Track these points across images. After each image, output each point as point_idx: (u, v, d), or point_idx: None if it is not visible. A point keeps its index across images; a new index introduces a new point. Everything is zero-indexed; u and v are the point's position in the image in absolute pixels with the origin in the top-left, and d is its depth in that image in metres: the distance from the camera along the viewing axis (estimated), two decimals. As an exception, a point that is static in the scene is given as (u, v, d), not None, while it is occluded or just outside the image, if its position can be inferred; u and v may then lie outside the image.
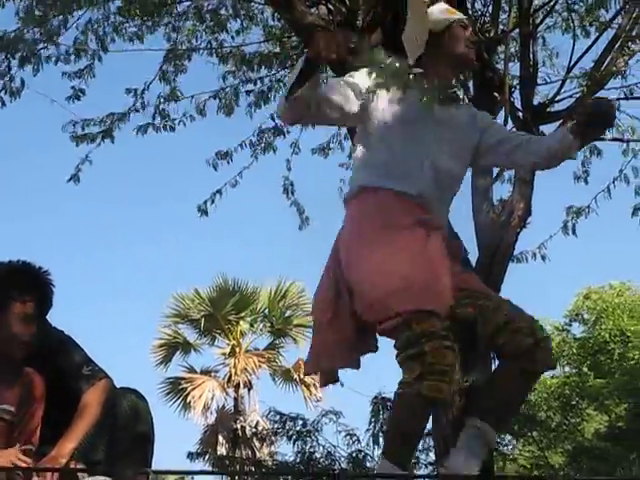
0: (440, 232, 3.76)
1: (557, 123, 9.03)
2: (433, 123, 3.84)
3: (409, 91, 3.85)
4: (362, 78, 3.86)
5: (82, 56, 10.03)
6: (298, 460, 11.89)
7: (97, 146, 10.19)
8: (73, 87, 10.05)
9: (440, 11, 4.07)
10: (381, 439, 11.85)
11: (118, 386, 4.32)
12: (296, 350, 22.25)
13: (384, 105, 3.85)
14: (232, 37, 10.77)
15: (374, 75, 3.83)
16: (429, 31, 3.95)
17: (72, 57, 9.98)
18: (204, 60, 10.79)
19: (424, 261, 3.59)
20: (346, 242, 3.77)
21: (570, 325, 22.09)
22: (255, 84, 10.84)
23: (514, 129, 8.95)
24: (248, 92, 10.83)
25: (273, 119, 10.90)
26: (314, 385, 21.54)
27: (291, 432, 12.18)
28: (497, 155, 4.05)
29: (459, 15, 4.08)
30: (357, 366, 3.79)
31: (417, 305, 3.46)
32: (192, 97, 10.68)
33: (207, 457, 19.30)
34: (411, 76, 3.90)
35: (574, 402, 20.35)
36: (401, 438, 3.62)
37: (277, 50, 10.93)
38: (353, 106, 3.80)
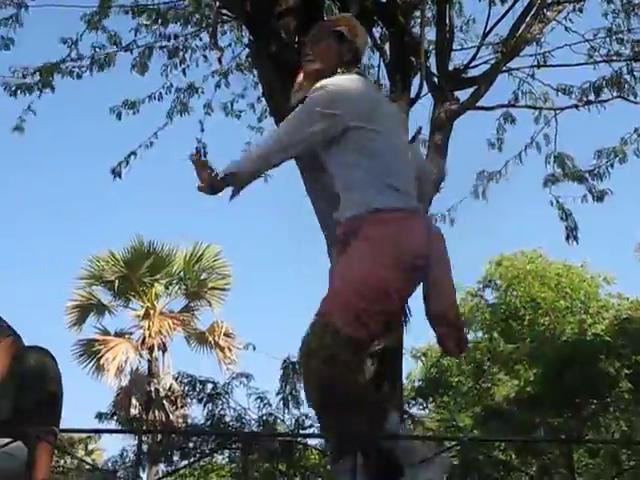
0: (337, 243, 3.94)
1: (472, 89, 9.08)
2: None
3: None
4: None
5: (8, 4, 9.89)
6: (208, 423, 11.86)
7: (38, 97, 10.07)
8: (1, 36, 9.89)
9: None
10: (291, 402, 11.91)
11: (27, 345, 4.26)
12: (211, 313, 22.23)
13: None
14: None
15: None
16: None
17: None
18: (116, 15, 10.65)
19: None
20: None
21: (483, 291, 22.35)
22: (169, 40, 10.73)
23: (429, 94, 8.99)
24: (162, 47, 10.72)
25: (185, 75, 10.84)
26: (228, 348, 21.54)
27: (202, 395, 12.15)
28: None
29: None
30: None
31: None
32: (106, 55, 10.52)
33: (117, 418, 19.21)
34: None
35: (485, 367, 20.63)
36: None
37: (192, 9, 10.82)
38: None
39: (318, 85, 3.93)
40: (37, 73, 10.08)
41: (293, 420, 12.07)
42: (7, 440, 3.68)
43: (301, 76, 4.26)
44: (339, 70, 4.09)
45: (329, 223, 8.45)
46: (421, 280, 3.75)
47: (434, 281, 3.75)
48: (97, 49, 10.38)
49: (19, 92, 9.98)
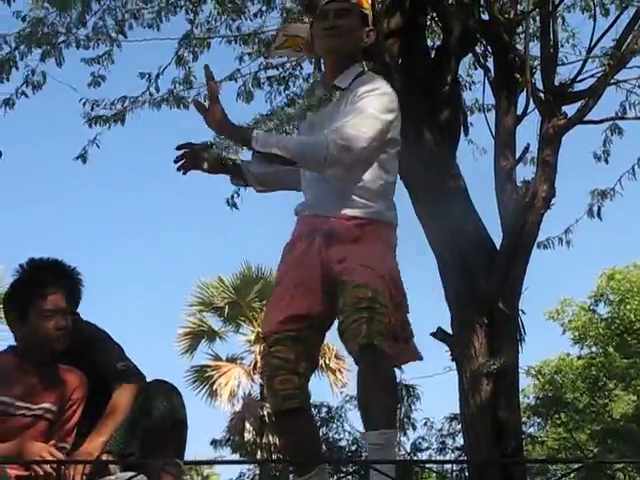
0: (312, 236, 3.79)
1: (579, 103, 8.97)
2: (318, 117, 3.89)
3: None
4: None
5: (101, 42, 10.00)
6: (323, 447, 11.86)
7: (108, 128, 10.17)
8: (92, 73, 10.03)
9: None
10: (405, 424, 11.87)
11: (148, 378, 4.32)
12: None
13: None
14: (250, 19, 10.72)
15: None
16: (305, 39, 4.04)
17: (91, 43, 9.95)
18: (222, 47, 10.75)
19: (277, 284, 3.92)
20: None
21: (596, 305, 21.98)
22: (277, 69, 10.78)
23: (536, 110, 8.91)
24: (269, 78, 10.78)
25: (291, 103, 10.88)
26: (339, 370, 21.57)
27: (316, 418, 12.16)
28: None
29: (322, 3, 3.96)
30: None
31: (262, 330, 3.95)
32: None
33: (232, 443, 19.34)
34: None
35: (601, 383, 20.28)
36: None
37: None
38: None
39: (378, 86, 3.82)
40: (114, 105, 10.19)
41: (409, 443, 12.04)
42: (131, 474, 3.74)
43: (281, 34, 4.18)
44: (356, 57, 3.96)
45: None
46: None
47: None
48: (178, 84, 10.47)
49: (96, 124, 10.09)
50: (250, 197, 10.80)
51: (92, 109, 10.01)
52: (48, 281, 4.10)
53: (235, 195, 10.45)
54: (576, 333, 21.32)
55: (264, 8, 10.57)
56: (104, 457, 3.92)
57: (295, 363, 3.70)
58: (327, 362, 21.62)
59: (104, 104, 10.09)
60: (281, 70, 10.74)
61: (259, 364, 21.46)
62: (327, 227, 3.75)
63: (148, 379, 4.32)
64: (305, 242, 3.79)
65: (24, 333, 4.04)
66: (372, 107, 3.71)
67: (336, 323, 3.71)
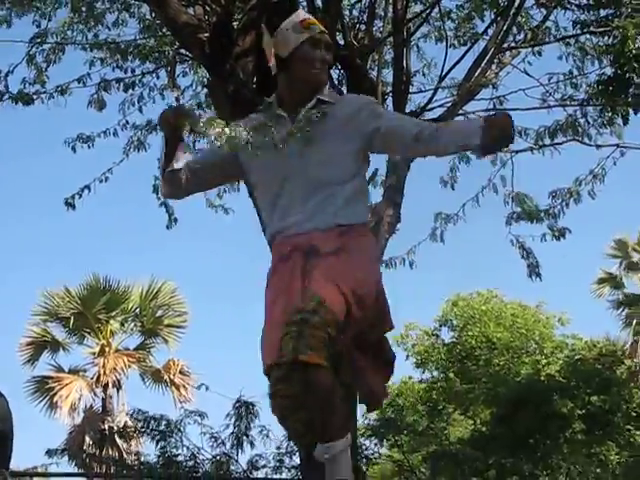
0: (294, 255, 3.66)
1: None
2: (296, 150, 3.75)
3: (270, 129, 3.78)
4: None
5: None
6: (161, 461, 11.77)
7: None
8: None
9: (292, 26, 3.86)
10: (245, 442, 11.87)
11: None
12: (167, 350, 22.11)
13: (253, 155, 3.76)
14: (108, 28, 10.68)
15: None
16: (277, 55, 3.88)
17: None
18: (77, 51, 10.67)
19: (270, 310, 3.61)
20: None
21: (440, 330, 22.40)
22: (126, 73, 10.75)
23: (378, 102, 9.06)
24: (118, 81, 10.73)
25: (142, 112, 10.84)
26: (184, 387, 21.44)
27: (155, 432, 12.06)
28: (394, 146, 4.02)
29: (312, 30, 3.85)
30: None
31: (265, 362, 3.49)
32: (59, 87, 10.52)
33: (69, 455, 19.02)
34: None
35: (441, 407, 20.65)
36: None
37: (152, 44, 10.85)
38: (230, 163, 3.86)
39: (373, 100, 3.98)
40: None
41: (246, 461, 12.03)
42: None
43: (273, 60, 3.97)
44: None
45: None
46: None
47: None
48: (28, 83, 10.37)
49: None
50: (91, 206, 10.72)
51: None
52: None
53: (77, 197, 10.40)
54: (419, 357, 21.69)
55: (122, 17, 10.57)
56: None
57: None
58: (172, 377, 21.48)
59: None
60: (131, 75, 10.72)
61: (102, 377, 21.20)
62: (307, 243, 3.66)
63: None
64: (288, 263, 3.67)
65: None
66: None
67: None
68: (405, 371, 21.56)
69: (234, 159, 3.84)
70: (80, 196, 10.52)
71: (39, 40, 10.23)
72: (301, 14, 4.02)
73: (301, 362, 3.27)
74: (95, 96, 10.63)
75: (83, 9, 10.38)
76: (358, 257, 3.68)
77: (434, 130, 3.73)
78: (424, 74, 10.89)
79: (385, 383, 3.90)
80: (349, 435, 3.57)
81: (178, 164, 3.81)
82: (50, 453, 17.60)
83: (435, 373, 21.94)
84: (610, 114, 9.88)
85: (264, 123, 3.75)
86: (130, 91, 10.81)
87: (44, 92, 10.49)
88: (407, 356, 21.67)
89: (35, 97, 10.40)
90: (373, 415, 20.19)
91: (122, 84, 10.70)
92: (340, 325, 3.42)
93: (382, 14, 9.79)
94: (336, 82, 10.14)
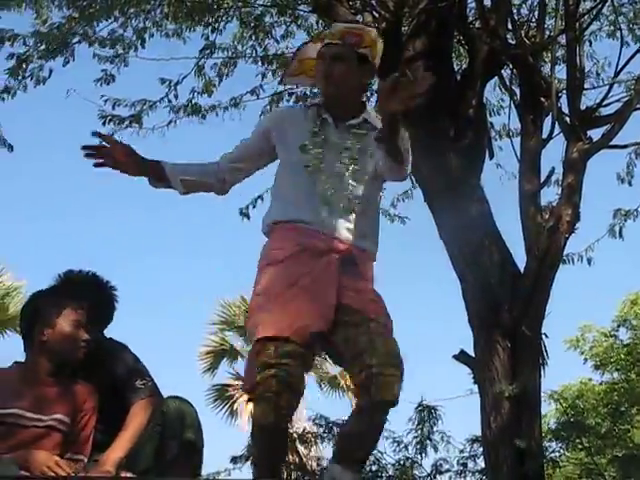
0: (329, 255, 3.74)
1: (605, 127, 8.97)
2: (333, 150, 3.84)
3: (308, 122, 3.92)
4: (267, 121, 4.14)
5: (118, 45, 10.05)
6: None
7: (124, 128, 10.22)
8: (104, 70, 10.05)
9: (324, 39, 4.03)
10: (428, 446, 11.83)
11: (165, 395, 4.32)
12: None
13: (287, 139, 3.92)
14: (277, 41, 10.83)
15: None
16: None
17: (107, 44, 10.00)
18: (248, 66, 10.86)
19: (283, 290, 3.68)
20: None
21: (617, 331, 21.86)
22: (297, 86, 10.88)
23: (561, 134, 8.92)
24: (290, 94, 10.87)
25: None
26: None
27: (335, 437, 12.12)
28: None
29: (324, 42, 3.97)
30: None
31: (261, 333, 3.60)
32: (233, 100, 10.73)
33: (251, 462, 19.31)
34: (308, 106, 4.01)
35: (623, 409, 20.14)
36: (258, 458, 3.85)
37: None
38: (264, 150, 3.98)
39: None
40: (133, 106, 10.25)
41: (430, 465, 11.99)
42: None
43: (295, 61, 4.13)
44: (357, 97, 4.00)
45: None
46: None
47: None
48: (196, 93, 10.58)
49: (110, 122, 10.10)
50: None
51: (113, 107, 10.08)
52: (80, 293, 4.17)
53: (251, 207, 10.60)
54: (597, 359, 21.22)
55: (290, 29, 10.70)
56: (122, 474, 3.93)
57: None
58: (348, 383, 21.56)
59: (124, 103, 10.18)
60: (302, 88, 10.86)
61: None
62: (346, 253, 3.77)
63: (168, 395, 4.33)
64: (320, 260, 3.75)
65: (49, 336, 4.04)
66: None
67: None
68: (583, 372, 21.15)
69: (267, 143, 3.96)
70: (254, 206, 10.75)
71: (208, 51, 10.44)
72: (336, 25, 4.15)
73: (391, 405, 3.62)
74: (268, 107, 10.78)
75: (252, 23, 10.55)
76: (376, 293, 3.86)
77: None
78: (599, 70, 10.69)
79: None
80: None
81: (191, 174, 3.92)
82: (235, 460, 17.92)
83: (615, 375, 21.42)
84: None
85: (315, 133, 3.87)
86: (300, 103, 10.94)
87: (218, 105, 10.72)
88: (585, 359, 21.24)
89: (209, 110, 10.64)
90: (552, 418, 19.91)
91: (294, 96, 10.83)
92: None
93: (553, 11, 9.61)
94: (507, 82, 10.07)
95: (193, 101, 10.52)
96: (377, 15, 8.80)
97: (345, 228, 3.79)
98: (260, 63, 10.91)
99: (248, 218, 10.78)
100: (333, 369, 22.00)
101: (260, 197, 10.76)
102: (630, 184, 10.46)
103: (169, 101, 10.35)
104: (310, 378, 21.77)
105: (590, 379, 21.28)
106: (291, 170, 3.87)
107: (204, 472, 4.39)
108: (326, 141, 3.85)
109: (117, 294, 4.47)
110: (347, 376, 21.38)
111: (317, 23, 10.64)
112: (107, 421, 4.09)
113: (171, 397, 4.35)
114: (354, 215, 3.80)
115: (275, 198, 3.99)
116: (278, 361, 3.52)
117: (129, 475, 3.96)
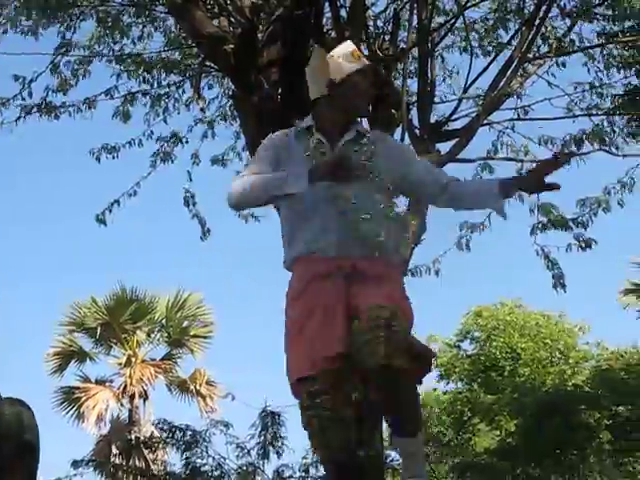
0: (334, 276, 3.78)
1: (453, 141, 9.17)
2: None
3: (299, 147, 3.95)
4: (271, 147, 4.02)
5: None
6: (187, 471, 11.75)
7: None
8: None
9: (344, 56, 3.97)
10: (271, 452, 11.83)
11: (3, 396, 4.25)
12: (193, 361, 22.14)
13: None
14: (134, 42, 10.76)
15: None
16: (330, 79, 3.95)
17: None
18: (103, 64, 10.76)
19: (302, 324, 3.78)
20: None
21: (462, 342, 22.37)
22: (152, 87, 10.81)
23: (411, 146, 9.06)
24: (144, 94, 10.80)
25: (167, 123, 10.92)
26: (209, 397, 21.47)
27: (181, 442, 12.04)
28: (420, 195, 4.28)
29: (362, 62, 3.99)
30: None
31: (291, 378, 3.79)
32: (86, 99, 10.62)
33: (95, 466, 19.07)
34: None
35: (466, 418, 20.59)
36: None
37: (178, 57, 10.93)
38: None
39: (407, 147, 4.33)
40: None
41: (272, 471, 12.00)
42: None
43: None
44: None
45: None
46: None
47: None
48: (51, 91, 10.45)
49: None
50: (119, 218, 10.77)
51: None
52: None
53: (107, 212, 10.48)
54: (442, 369, 21.66)
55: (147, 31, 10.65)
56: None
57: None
58: (198, 388, 21.51)
59: None
60: (157, 89, 10.80)
61: (128, 388, 21.24)
62: (349, 266, 3.81)
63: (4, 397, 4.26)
64: (326, 282, 3.80)
65: None
66: None
67: None
68: (429, 383, 21.52)
69: (277, 167, 3.91)
70: (110, 211, 10.61)
71: (63, 50, 10.31)
72: (351, 45, 4.11)
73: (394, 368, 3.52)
74: (121, 108, 10.69)
75: (109, 22, 10.46)
76: (400, 289, 3.87)
77: (456, 187, 3.96)
78: (449, 85, 10.91)
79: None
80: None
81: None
82: (75, 464, 17.64)
83: (459, 384, 21.91)
84: (637, 124, 9.84)
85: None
86: (156, 105, 10.87)
87: (72, 105, 10.59)
88: (430, 368, 21.61)
89: (62, 110, 10.50)
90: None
91: (148, 97, 10.77)
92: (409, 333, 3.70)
93: (407, 24, 9.78)
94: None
95: (48, 100, 10.39)
96: (233, 20, 8.80)
97: (351, 244, 3.84)
98: (116, 63, 10.81)
99: (105, 225, 10.59)
100: (184, 373, 21.94)
101: (117, 201, 10.63)
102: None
103: (23, 99, 10.21)
104: (159, 382, 21.64)
105: (435, 389, 21.69)
106: (296, 201, 3.85)
107: (48, 477, 4.32)
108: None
109: None
110: (197, 380, 21.39)
111: (176, 27, 10.60)
112: None
113: (7, 399, 4.27)
114: (363, 227, 3.84)
115: (286, 234, 4.01)
116: (312, 402, 3.69)
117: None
